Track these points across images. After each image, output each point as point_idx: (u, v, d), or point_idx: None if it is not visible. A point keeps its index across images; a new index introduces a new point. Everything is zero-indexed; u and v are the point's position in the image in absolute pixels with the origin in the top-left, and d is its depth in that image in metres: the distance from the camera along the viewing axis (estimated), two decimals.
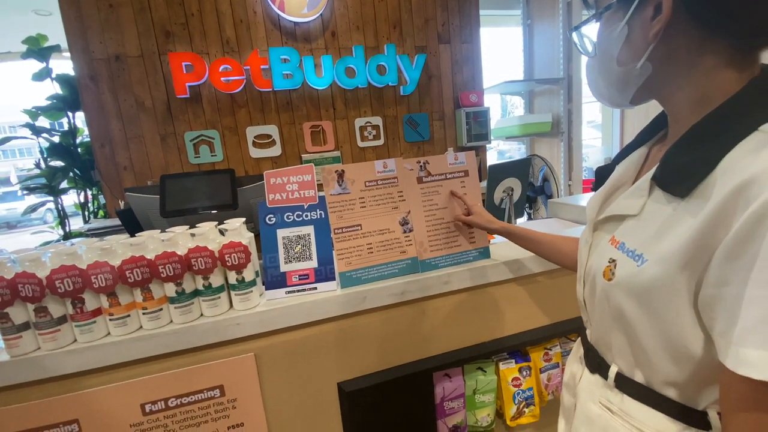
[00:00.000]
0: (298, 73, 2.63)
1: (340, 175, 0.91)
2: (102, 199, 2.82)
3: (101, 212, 2.92)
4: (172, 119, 2.54)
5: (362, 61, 2.76)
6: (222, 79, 2.51)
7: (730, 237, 0.36)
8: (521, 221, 1.95)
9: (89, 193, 2.90)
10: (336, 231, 0.91)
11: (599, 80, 0.53)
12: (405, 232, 0.95)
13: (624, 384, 0.51)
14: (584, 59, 0.56)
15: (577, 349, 0.67)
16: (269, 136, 2.72)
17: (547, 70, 3.26)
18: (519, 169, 1.58)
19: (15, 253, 0.75)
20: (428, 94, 3.01)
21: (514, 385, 1.06)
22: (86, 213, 2.92)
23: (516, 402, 1.07)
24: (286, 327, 0.85)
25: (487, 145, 3.23)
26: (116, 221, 2.23)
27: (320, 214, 0.91)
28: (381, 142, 2.94)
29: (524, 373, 1.07)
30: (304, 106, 2.76)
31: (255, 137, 2.68)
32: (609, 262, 0.49)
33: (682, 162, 0.44)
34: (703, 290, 0.40)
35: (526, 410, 1.08)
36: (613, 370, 0.53)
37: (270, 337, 0.85)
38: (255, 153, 2.70)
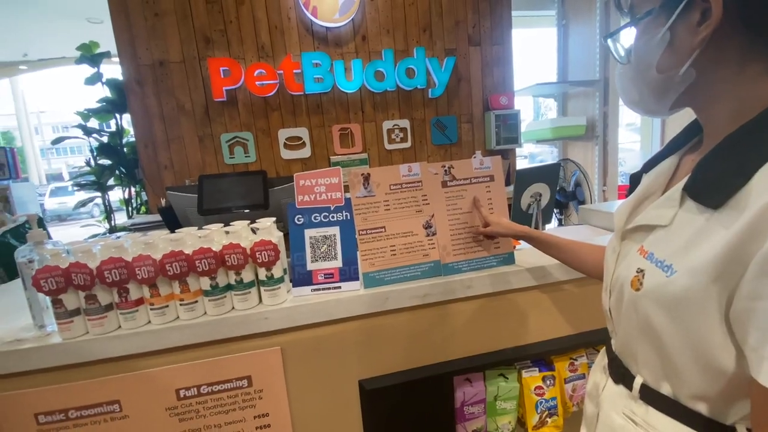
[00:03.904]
0: (329, 77, 2.70)
1: (366, 178, 0.94)
2: (144, 196, 3.00)
3: (143, 208, 3.10)
4: (210, 121, 2.66)
5: (391, 65, 2.79)
6: (257, 83, 2.61)
7: (765, 250, 0.36)
8: (550, 227, 1.90)
9: (133, 190, 3.09)
10: (361, 232, 0.93)
11: (633, 88, 0.51)
12: (428, 235, 0.96)
13: (649, 396, 0.51)
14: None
15: (601, 358, 0.66)
16: (300, 138, 2.80)
17: (582, 71, 3.17)
18: (548, 174, 1.55)
19: (69, 245, 0.83)
20: (457, 96, 2.99)
21: (537, 394, 1.05)
22: (130, 209, 3.11)
23: (538, 411, 1.05)
24: (311, 323, 0.89)
25: (518, 149, 3.17)
26: (157, 217, 2.37)
27: (346, 215, 0.94)
28: (408, 144, 2.95)
29: (548, 382, 1.05)
30: (333, 109, 2.82)
31: (286, 139, 2.77)
32: (637, 272, 0.49)
33: (714, 173, 0.43)
34: (736, 303, 0.39)
35: (549, 420, 1.06)
36: (638, 382, 0.52)
37: (296, 332, 0.88)
38: (286, 154, 2.78)
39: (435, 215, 0.96)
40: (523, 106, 3.13)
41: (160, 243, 0.82)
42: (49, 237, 0.86)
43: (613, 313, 0.57)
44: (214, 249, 0.80)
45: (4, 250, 1.96)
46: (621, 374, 0.56)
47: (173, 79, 2.59)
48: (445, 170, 0.96)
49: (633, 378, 0.53)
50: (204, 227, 0.86)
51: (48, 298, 0.78)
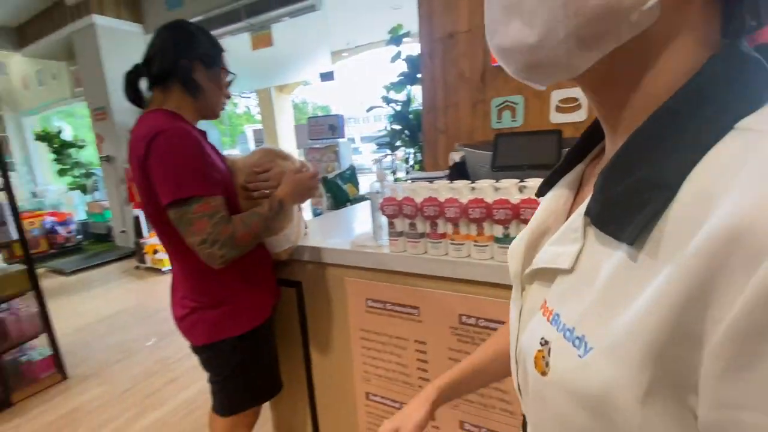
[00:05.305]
0: None
1: None
2: (418, 156, 3.57)
3: (416, 166, 3.71)
4: (484, 87, 2.81)
5: None
6: None
7: (732, 331, 0.20)
8: None
9: (411, 150, 3.74)
10: None
11: (545, 14, 0.28)
12: None
13: None
14: None
15: None
16: (575, 100, 2.54)
17: None
18: None
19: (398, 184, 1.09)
20: None
21: None
22: (407, 166, 3.79)
23: None
24: None
25: None
26: (429, 174, 2.78)
27: None
28: None
29: None
30: None
31: (560, 101, 2.58)
32: (541, 344, 0.34)
33: (623, 187, 0.28)
34: (703, 412, 0.23)
35: None
36: None
37: None
38: (556, 118, 2.61)
39: None
40: None
41: (464, 190, 0.96)
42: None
43: (522, 392, 0.42)
44: (511, 202, 0.87)
45: (334, 187, 2.85)
46: None
47: (458, 49, 2.85)
48: None
49: None
50: (500, 181, 0.94)
51: (386, 220, 1.08)
